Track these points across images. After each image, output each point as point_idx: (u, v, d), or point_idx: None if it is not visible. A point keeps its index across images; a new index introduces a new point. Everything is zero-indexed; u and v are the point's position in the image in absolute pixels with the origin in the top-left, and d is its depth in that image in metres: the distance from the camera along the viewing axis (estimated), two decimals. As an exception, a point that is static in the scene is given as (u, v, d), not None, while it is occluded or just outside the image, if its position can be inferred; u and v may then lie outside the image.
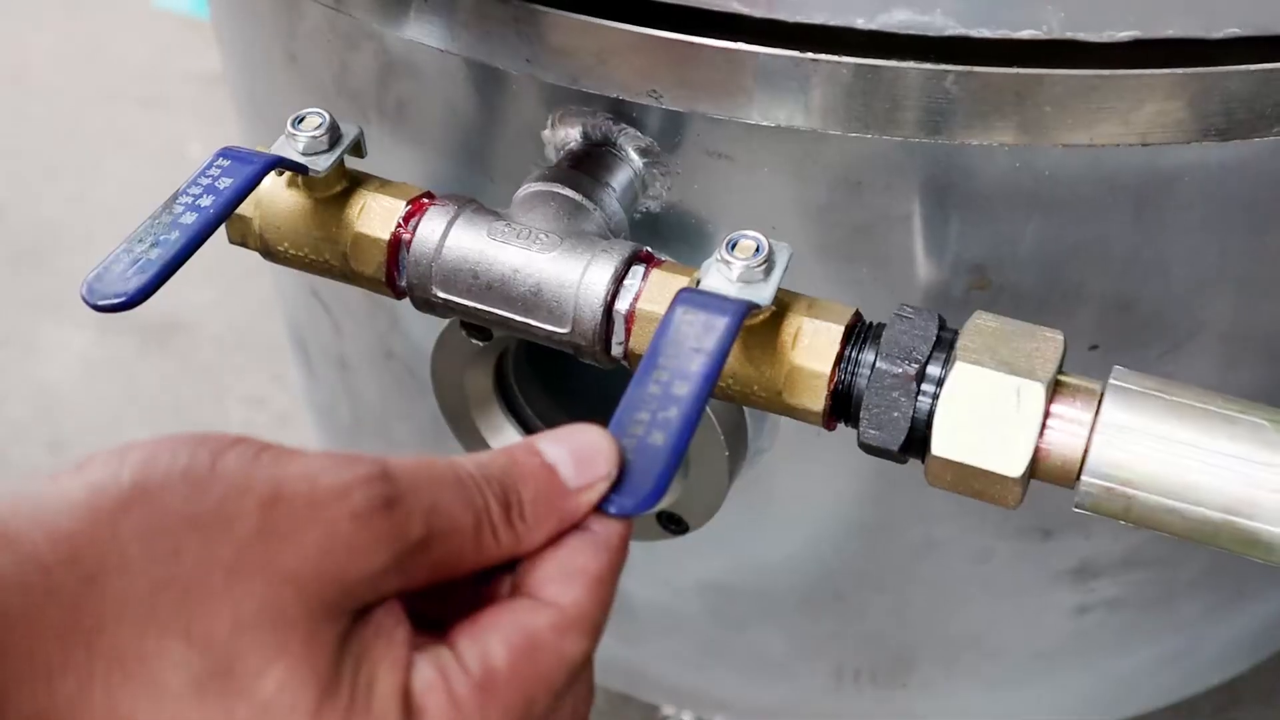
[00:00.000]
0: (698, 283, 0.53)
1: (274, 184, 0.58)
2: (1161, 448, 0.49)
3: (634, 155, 0.60)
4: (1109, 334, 0.64)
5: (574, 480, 0.41)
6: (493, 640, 0.39)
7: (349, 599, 0.37)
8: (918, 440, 0.52)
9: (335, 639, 0.37)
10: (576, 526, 0.41)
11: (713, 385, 0.45)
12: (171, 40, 2.04)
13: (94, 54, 2.03)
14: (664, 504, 0.69)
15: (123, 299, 0.48)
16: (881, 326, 0.53)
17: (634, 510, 0.41)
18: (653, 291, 0.54)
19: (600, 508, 0.41)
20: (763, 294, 0.51)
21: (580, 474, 0.41)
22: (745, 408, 0.66)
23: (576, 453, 0.42)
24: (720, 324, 0.47)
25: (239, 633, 0.36)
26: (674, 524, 0.70)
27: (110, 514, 0.36)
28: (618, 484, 0.42)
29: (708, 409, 0.63)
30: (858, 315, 0.53)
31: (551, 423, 0.72)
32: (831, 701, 0.85)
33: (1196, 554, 0.78)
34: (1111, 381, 0.50)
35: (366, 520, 0.37)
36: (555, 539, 0.41)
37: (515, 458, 0.41)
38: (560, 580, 0.40)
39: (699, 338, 0.47)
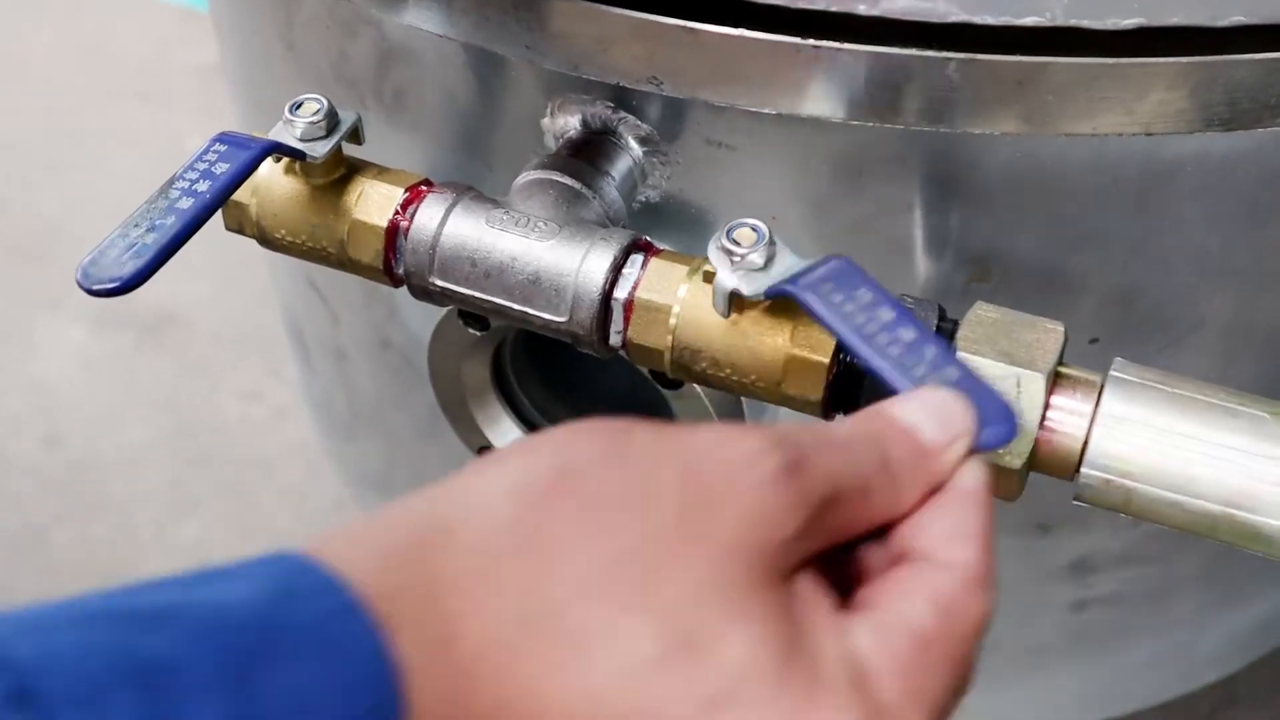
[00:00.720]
0: (699, 270, 0.53)
1: (271, 170, 0.58)
2: (1162, 440, 0.49)
3: (634, 144, 0.60)
4: (1110, 327, 0.63)
5: (938, 439, 0.41)
6: (916, 602, 0.38)
7: (774, 567, 0.37)
8: (918, 431, 0.51)
9: (776, 607, 0.37)
10: (942, 487, 0.41)
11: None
12: (172, 33, 2.04)
13: (94, 48, 2.03)
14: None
15: (117, 283, 0.48)
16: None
17: (1009, 435, 0.42)
18: (651, 281, 0.54)
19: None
20: (761, 284, 0.51)
21: (943, 432, 0.41)
22: (743, 401, 0.66)
23: (937, 413, 0.42)
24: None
25: (690, 605, 0.36)
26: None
27: (542, 500, 0.36)
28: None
29: (706, 402, 0.63)
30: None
31: (549, 414, 0.72)
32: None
33: (1194, 551, 0.78)
34: (1112, 373, 0.50)
35: (777, 486, 0.37)
36: (926, 500, 0.41)
37: (876, 422, 0.41)
38: (954, 541, 0.40)
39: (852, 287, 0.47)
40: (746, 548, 0.36)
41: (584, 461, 0.37)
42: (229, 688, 0.31)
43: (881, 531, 0.41)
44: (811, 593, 0.38)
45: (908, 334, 0.45)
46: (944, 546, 0.40)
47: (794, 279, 0.48)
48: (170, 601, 0.33)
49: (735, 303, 0.51)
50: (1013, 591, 0.78)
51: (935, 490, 0.41)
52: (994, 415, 0.42)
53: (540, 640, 0.35)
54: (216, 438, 1.45)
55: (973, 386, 0.42)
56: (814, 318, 0.46)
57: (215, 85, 1.92)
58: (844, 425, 0.41)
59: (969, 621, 0.39)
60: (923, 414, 0.41)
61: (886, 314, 0.45)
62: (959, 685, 0.39)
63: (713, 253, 0.51)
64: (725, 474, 0.37)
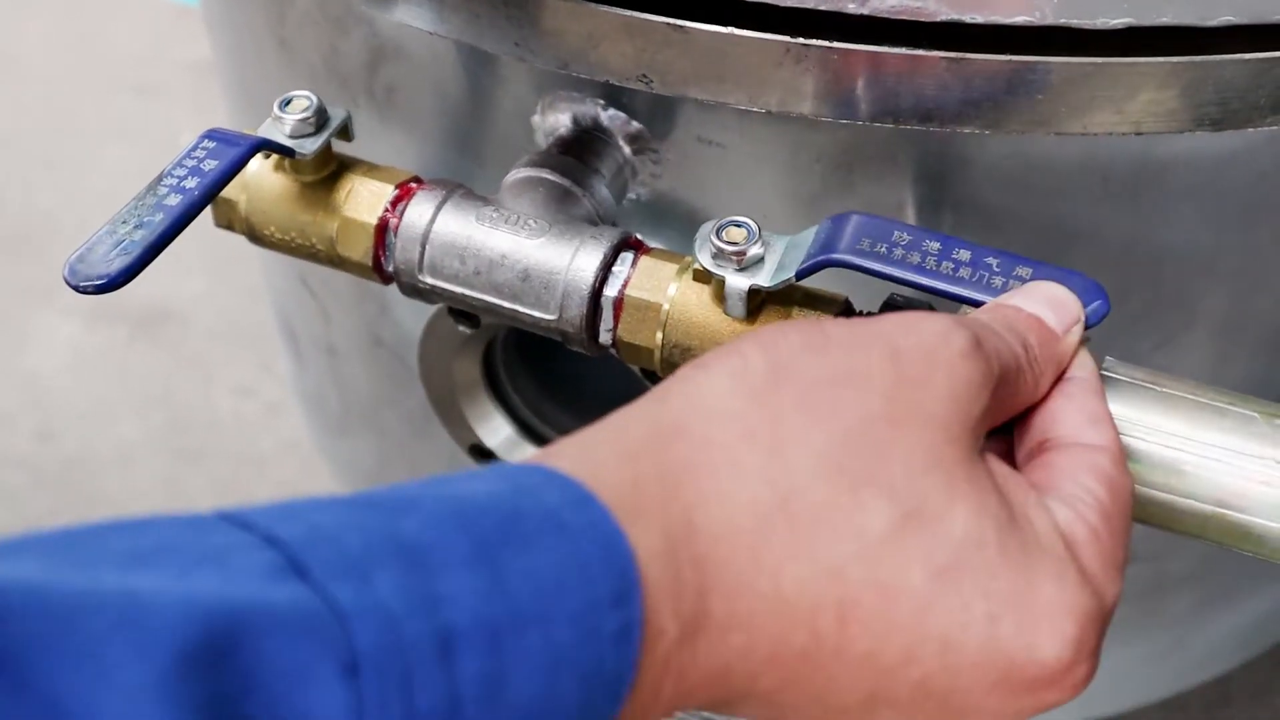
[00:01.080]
0: (689, 268, 0.53)
1: (261, 167, 0.58)
2: (1151, 439, 0.49)
3: (624, 142, 0.60)
4: (1102, 326, 0.63)
5: (1058, 327, 0.44)
6: (1088, 481, 0.41)
7: (975, 442, 0.39)
8: (908, 431, 0.51)
9: (987, 480, 0.38)
10: (1064, 376, 0.44)
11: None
12: (166, 29, 2.04)
13: (88, 42, 2.03)
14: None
15: (105, 281, 0.47)
16: (870, 315, 0.52)
17: (1107, 308, 0.45)
18: (641, 279, 0.54)
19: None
20: (762, 277, 0.51)
21: (1061, 320, 0.44)
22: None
23: (1051, 303, 0.44)
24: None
25: (914, 477, 0.37)
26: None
27: (762, 392, 0.37)
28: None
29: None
30: (848, 303, 0.53)
31: (540, 412, 0.72)
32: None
33: (1187, 549, 0.78)
34: (1103, 372, 0.50)
35: (969, 360, 0.39)
36: (1054, 387, 0.44)
37: (1007, 312, 0.43)
38: (1093, 425, 0.43)
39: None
40: (954, 421, 0.38)
41: (791, 354, 0.38)
42: (478, 566, 0.32)
43: (1007, 427, 0.43)
44: (1007, 470, 0.40)
45: (963, 253, 0.46)
46: (1086, 432, 0.42)
47: (826, 249, 0.48)
48: (416, 493, 0.34)
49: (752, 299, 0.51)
50: (1004, 590, 0.78)
51: (1059, 377, 0.44)
52: (1088, 294, 0.44)
53: (779, 522, 0.36)
54: (210, 434, 1.45)
55: (1054, 274, 0.45)
56: (874, 275, 0.47)
57: (210, 81, 1.92)
58: (982, 313, 0.43)
59: (1127, 493, 0.42)
60: (1040, 305, 0.44)
61: (933, 244, 0.47)
62: (1128, 552, 0.42)
63: (707, 260, 0.51)
64: (925, 350, 0.38)
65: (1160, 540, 0.76)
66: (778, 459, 0.36)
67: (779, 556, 0.36)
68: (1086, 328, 0.44)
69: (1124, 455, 0.43)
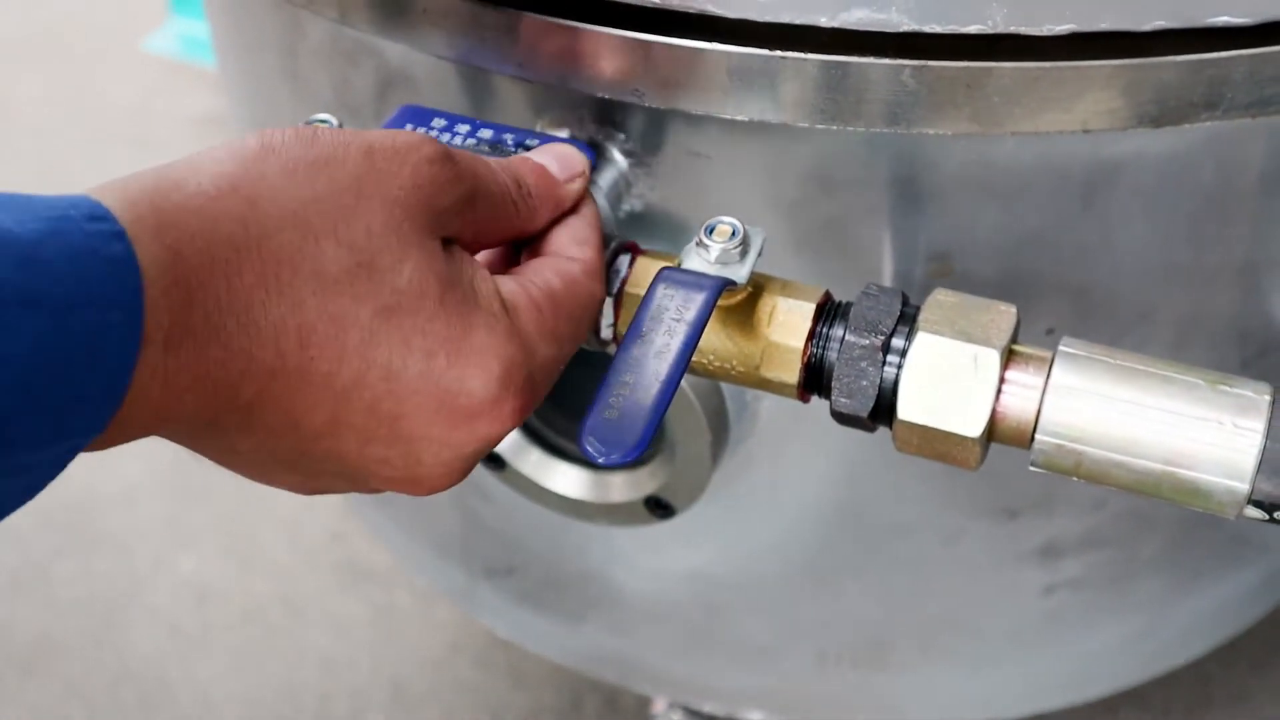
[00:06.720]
0: (679, 265, 0.57)
1: None
2: (1107, 406, 0.53)
3: (619, 156, 0.64)
4: (1063, 318, 0.67)
5: (561, 174, 0.55)
6: (548, 272, 0.52)
7: (438, 225, 0.47)
8: (885, 407, 0.55)
9: (440, 250, 0.47)
10: (568, 213, 0.55)
11: (691, 352, 0.50)
12: (159, 83, 2.08)
13: (81, 96, 2.07)
14: (651, 488, 0.73)
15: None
16: (850, 305, 0.57)
17: (620, 460, 0.47)
18: (639, 276, 0.58)
19: (588, 458, 0.47)
20: (739, 273, 0.55)
21: (564, 170, 0.55)
22: (724, 396, 0.70)
23: (558, 157, 0.56)
24: (699, 298, 0.52)
25: (373, 237, 0.45)
26: (660, 508, 0.73)
27: (252, 159, 0.45)
28: (605, 437, 0.47)
29: (691, 393, 0.67)
30: (828, 294, 0.57)
31: (543, 416, 0.76)
32: (815, 685, 0.88)
33: (1153, 534, 0.82)
34: (1061, 349, 0.54)
35: (438, 165, 0.48)
36: (556, 221, 0.55)
37: (514, 160, 0.54)
38: (577, 244, 0.54)
39: (679, 310, 0.52)
40: (415, 205, 0.46)
41: (282, 139, 0.46)
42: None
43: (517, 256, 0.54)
44: (469, 256, 0.49)
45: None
46: (569, 248, 0.54)
47: (677, 270, 0.54)
48: None
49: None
50: (986, 576, 0.82)
51: (562, 215, 0.55)
52: (624, 439, 0.48)
53: (252, 258, 0.43)
54: (212, 472, 1.46)
55: (636, 411, 0.48)
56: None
57: (203, 134, 1.96)
58: (490, 159, 0.52)
59: (587, 295, 0.53)
60: (548, 157, 0.55)
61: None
62: (575, 336, 0.52)
63: (692, 249, 0.55)
64: (397, 150, 0.47)
65: (1130, 525, 0.80)
66: (257, 210, 0.43)
67: (250, 284, 0.42)
68: (605, 465, 0.50)
69: (599, 271, 0.54)
